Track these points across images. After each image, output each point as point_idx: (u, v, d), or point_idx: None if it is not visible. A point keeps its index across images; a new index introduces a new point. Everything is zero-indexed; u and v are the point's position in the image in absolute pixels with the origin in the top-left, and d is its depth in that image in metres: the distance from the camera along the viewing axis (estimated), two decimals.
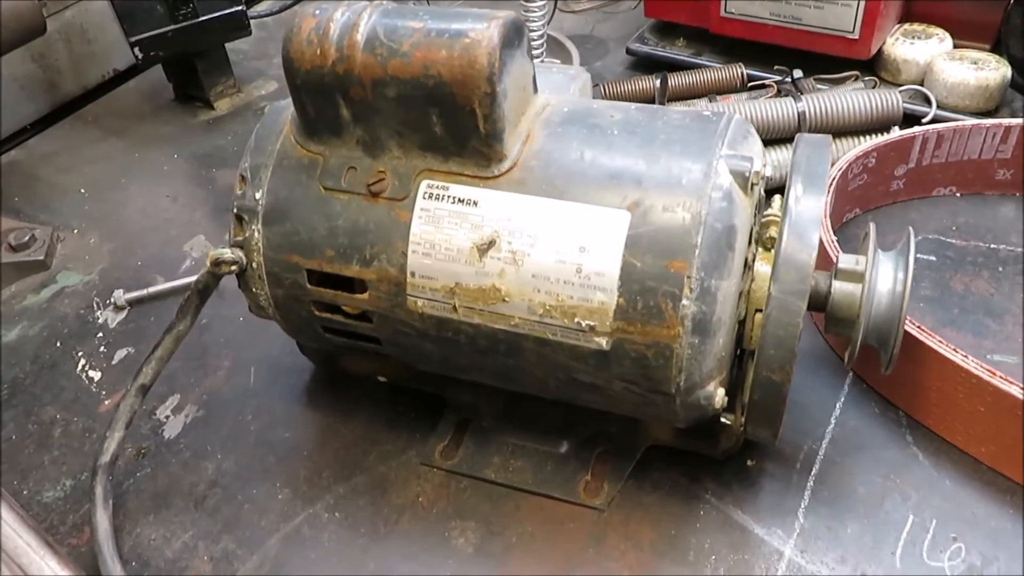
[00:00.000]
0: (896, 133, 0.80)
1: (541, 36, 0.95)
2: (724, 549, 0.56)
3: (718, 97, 0.93)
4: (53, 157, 1.06)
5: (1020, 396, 0.54)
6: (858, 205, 0.81)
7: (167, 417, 0.70)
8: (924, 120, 0.88)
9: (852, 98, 0.84)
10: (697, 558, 0.56)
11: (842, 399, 0.65)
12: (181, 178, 1.00)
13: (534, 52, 0.94)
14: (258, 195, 0.56)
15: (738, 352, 0.56)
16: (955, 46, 0.94)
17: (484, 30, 0.48)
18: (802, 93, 0.87)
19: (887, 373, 0.56)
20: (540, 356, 0.52)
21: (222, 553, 0.59)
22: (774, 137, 0.84)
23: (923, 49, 0.93)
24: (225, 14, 1.02)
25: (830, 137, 0.54)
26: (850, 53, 0.93)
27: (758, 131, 0.56)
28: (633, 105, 0.55)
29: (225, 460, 0.66)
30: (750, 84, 0.96)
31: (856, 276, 0.53)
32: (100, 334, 0.79)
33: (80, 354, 0.77)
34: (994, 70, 0.88)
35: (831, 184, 0.72)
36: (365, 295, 0.54)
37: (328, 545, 0.59)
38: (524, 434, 0.64)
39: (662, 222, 0.48)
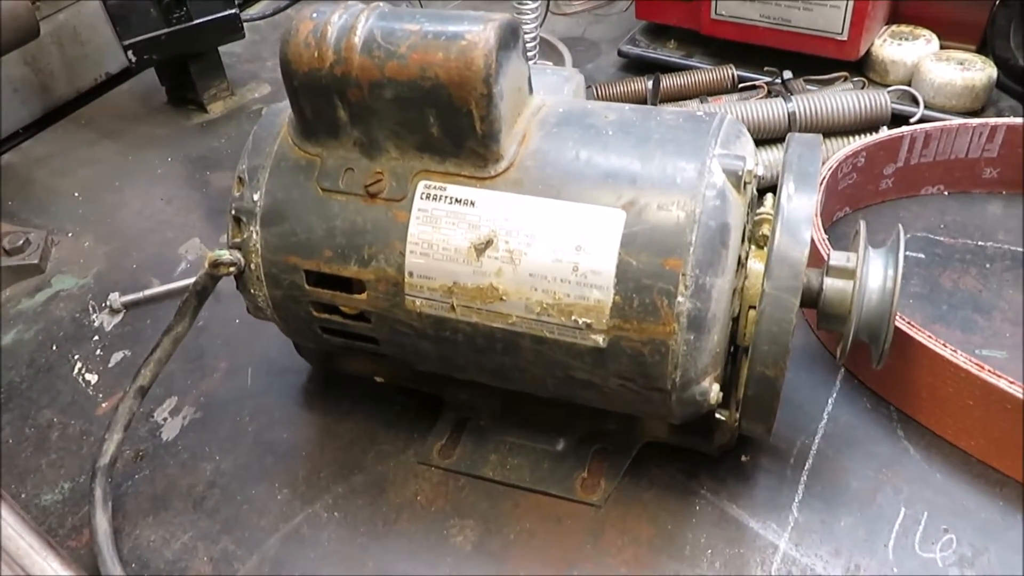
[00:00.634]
0: (885, 133, 0.81)
1: (534, 39, 0.96)
2: (720, 543, 0.57)
3: (709, 98, 0.94)
4: (47, 160, 1.06)
5: (1009, 390, 0.55)
6: (848, 204, 0.82)
7: (165, 419, 0.70)
8: (912, 120, 0.89)
9: (841, 98, 0.85)
10: (694, 553, 0.57)
11: (834, 395, 0.66)
12: (175, 181, 1.00)
13: (528, 54, 0.94)
14: (256, 197, 0.56)
15: (731, 349, 0.57)
16: (941, 47, 0.95)
17: (480, 32, 0.48)
18: (792, 94, 0.88)
19: (878, 368, 0.57)
20: (537, 354, 0.53)
21: (222, 554, 0.60)
22: (765, 137, 0.85)
23: (910, 50, 0.94)
24: (219, 17, 1.02)
25: (821, 136, 0.55)
26: (839, 54, 0.94)
27: (749, 131, 0.57)
28: (627, 105, 0.56)
29: (223, 461, 0.66)
30: (740, 85, 0.97)
31: (847, 273, 0.54)
32: (96, 337, 0.79)
33: (76, 357, 0.77)
34: (980, 71, 0.89)
35: (821, 183, 0.73)
36: (363, 295, 0.55)
37: (328, 544, 0.59)
38: (521, 432, 0.64)
39: (657, 220, 0.48)
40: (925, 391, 0.61)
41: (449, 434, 0.65)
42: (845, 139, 0.85)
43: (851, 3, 0.90)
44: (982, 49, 0.94)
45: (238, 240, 0.57)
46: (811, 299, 0.55)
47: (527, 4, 0.93)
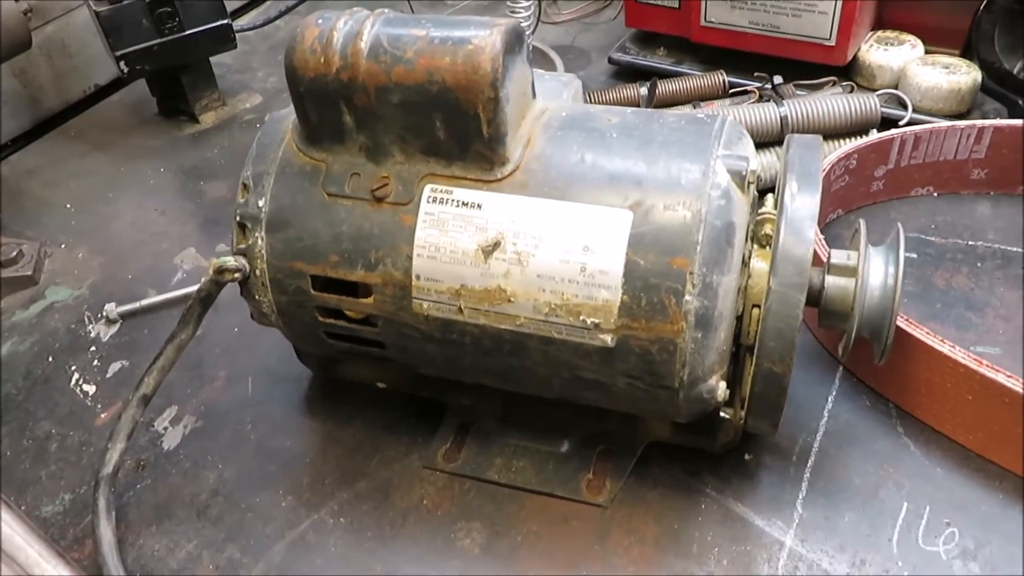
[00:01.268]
0: (875, 135, 0.82)
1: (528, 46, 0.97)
2: (726, 541, 0.58)
3: (702, 104, 0.95)
4: (38, 172, 1.05)
5: (1007, 384, 0.56)
6: (840, 206, 0.84)
7: (165, 428, 0.69)
8: (901, 123, 0.90)
9: (832, 102, 0.86)
10: (700, 551, 0.57)
11: (834, 393, 0.67)
12: (169, 191, 1.00)
13: None
14: (261, 203, 0.56)
15: (735, 349, 0.57)
16: (926, 51, 0.97)
17: (487, 37, 0.49)
18: (783, 98, 0.89)
19: (881, 364, 0.57)
20: (545, 355, 0.53)
21: (227, 562, 0.59)
22: (759, 141, 0.86)
23: (896, 55, 0.96)
24: (211, 27, 1.02)
25: (820, 137, 0.56)
26: (827, 59, 0.96)
27: None
28: (629, 109, 0.57)
29: (226, 469, 0.66)
30: (732, 91, 0.98)
31: (849, 271, 0.55)
32: (93, 348, 0.78)
33: (73, 368, 0.76)
34: (965, 74, 0.91)
35: None
36: (370, 299, 0.55)
37: (334, 550, 0.59)
38: (525, 435, 0.65)
39: (664, 220, 0.49)
40: (924, 387, 0.62)
41: (453, 438, 0.65)
42: (836, 142, 0.87)
43: (838, 9, 0.92)
44: (965, 53, 0.96)
45: (243, 246, 0.57)
46: (814, 297, 0.55)
47: (520, 13, 0.94)
